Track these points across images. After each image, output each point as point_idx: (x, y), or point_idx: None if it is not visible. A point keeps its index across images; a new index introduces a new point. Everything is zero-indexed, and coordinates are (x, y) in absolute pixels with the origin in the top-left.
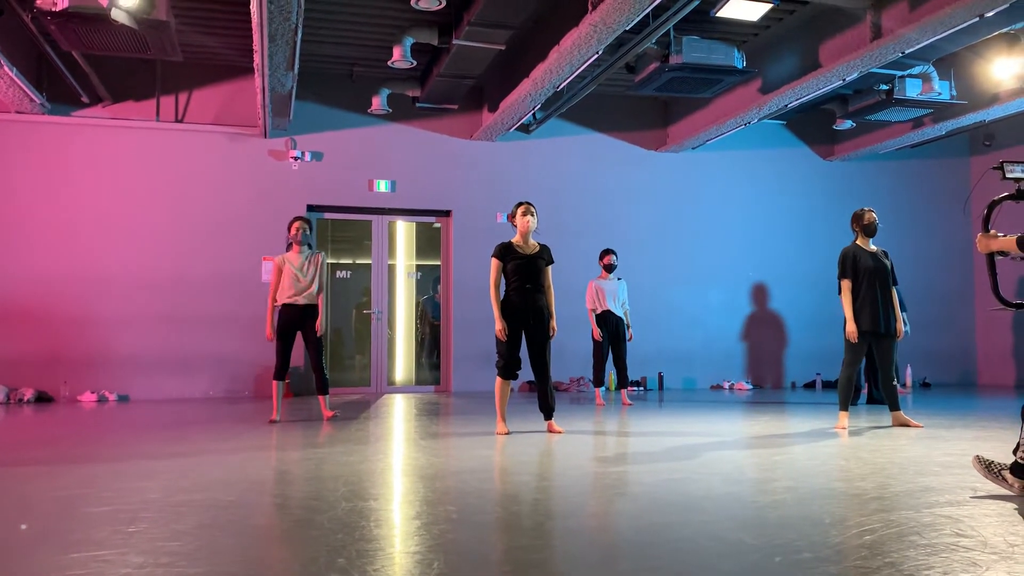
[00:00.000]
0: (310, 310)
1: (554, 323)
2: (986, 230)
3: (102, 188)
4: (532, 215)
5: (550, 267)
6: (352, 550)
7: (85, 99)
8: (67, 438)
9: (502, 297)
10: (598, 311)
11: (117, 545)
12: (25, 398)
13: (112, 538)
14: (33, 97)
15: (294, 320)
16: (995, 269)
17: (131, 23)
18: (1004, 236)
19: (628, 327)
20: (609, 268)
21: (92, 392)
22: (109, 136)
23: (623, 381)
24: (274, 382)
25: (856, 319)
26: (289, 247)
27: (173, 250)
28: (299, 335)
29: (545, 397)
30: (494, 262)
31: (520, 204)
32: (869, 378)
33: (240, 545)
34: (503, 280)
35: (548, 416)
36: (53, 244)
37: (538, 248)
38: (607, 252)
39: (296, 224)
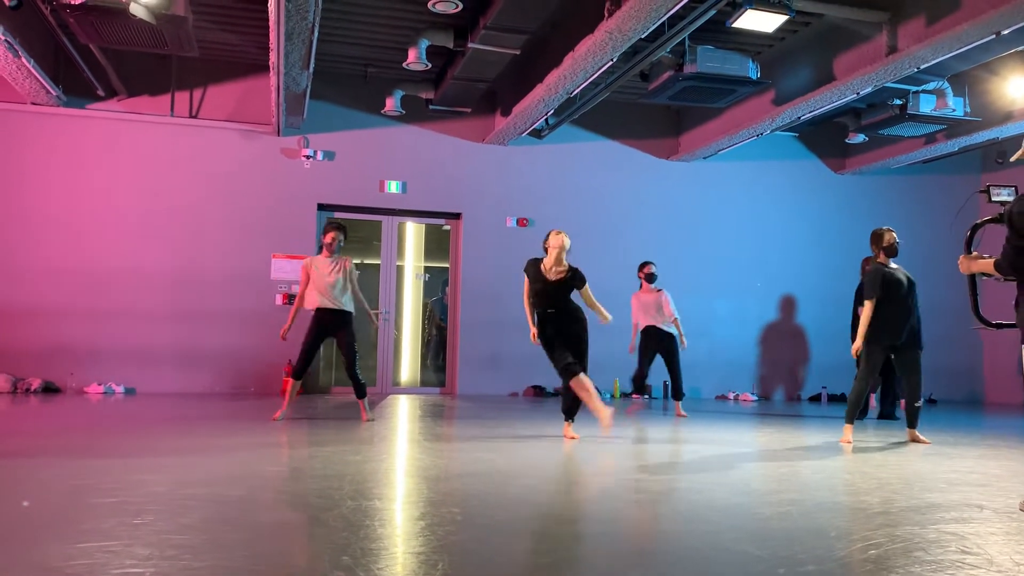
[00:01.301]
0: (340, 316)
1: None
2: (968, 252)
3: (115, 181)
4: (564, 236)
5: (585, 287)
6: (357, 548)
7: (101, 92)
8: (74, 429)
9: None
10: (641, 326)
11: (123, 536)
12: (32, 388)
13: (118, 529)
14: (49, 89)
15: (325, 325)
16: (976, 289)
17: (149, 18)
18: (986, 258)
19: (681, 336)
20: (650, 278)
21: (99, 384)
22: (123, 130)
23: (677, 393)
24: (291, 380)
25: (877, 335)
26: (320, 250)
27: (183, 245)
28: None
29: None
30: (525, 278)
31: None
32: (883, 394)
33: (245, 540)
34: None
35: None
36: (64, 236)
37: (565, 273)
38: (646, 263)
39: (332, 233)
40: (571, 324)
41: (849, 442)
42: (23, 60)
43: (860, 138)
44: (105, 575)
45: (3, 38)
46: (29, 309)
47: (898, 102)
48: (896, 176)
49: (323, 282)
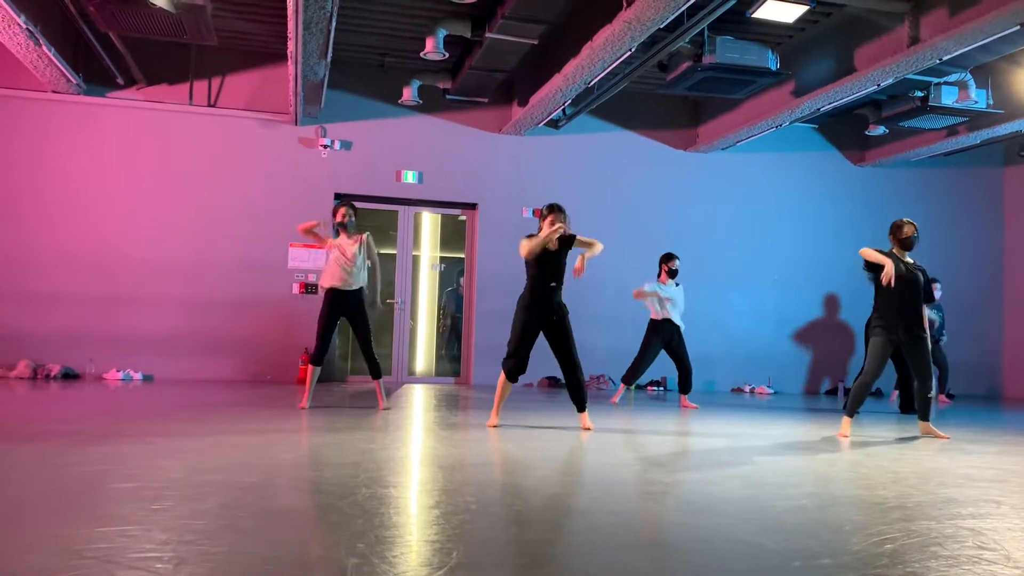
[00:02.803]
0: (354, 295)
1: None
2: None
3: (133, 169)
4: (563, 218)
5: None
6: (372, 536)
7: (120, 80)
8: (93, 415)
9: (525, 292)
10: (658, 319)
11: (142, 521)
12: (52, 374)
13: (137, 514)
14: (69, 77)
15: (338, 306)
16: None
17: (168, 6)
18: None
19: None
20: (672, 273)
21: (117, 370)
22: (142, 118)
23: (688, 386)
24: (311, 367)
25: (885, 326)
26: (337, 232)
27: (201, 233)
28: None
29: (576, 390)
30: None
31: (552, 211)
32: (902, 388)
33: (261, 526)
34: (527, 272)
35: (580, 408)
36: (83, 223)
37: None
38: (672, 256)
39: (342, 210)
40: (563, 326)
41: (846, 436)
42: (44, 48)
43: (880, 130)
44: (124, 559)
45: (25, 26)
46: (49, 296)
47: (920, 94)
48: (917, 169)
49: (343, 259)
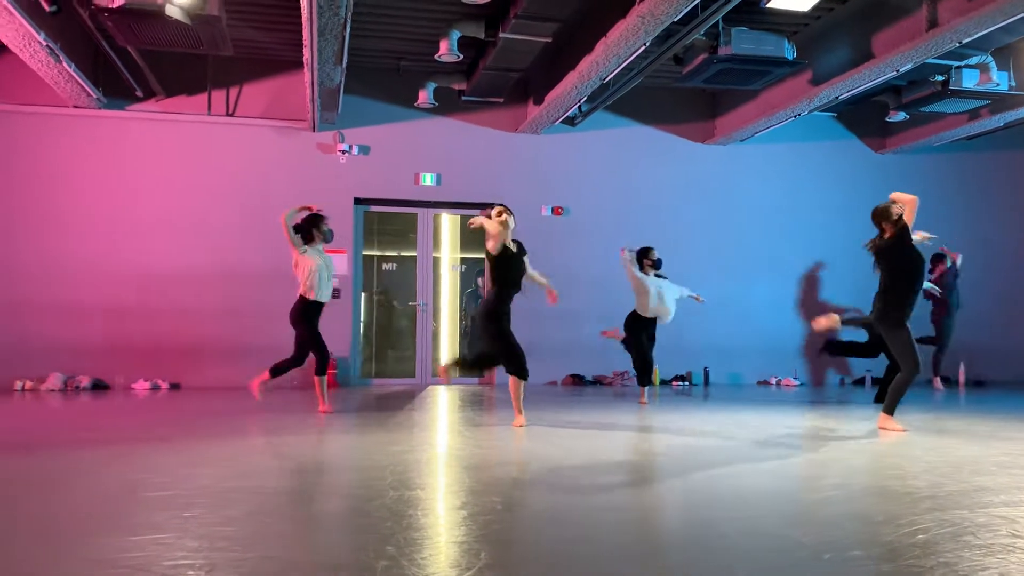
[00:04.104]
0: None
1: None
2: None
3: (155, 180)
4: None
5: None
6: (400, 538)
7: (139, 93)
8: (124, 425)
9: (490, 298)
10: (645, 315)
11: (174, 529)
12: (81, 385)
13: (169, 522)
14: (90, 92)
15: (319, 316)
16: None
17: (184, 18)
18: None
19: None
20: (656, 264)
21: (145, 380)
22: (162, 130)
23: (648, 379)
24: (318, 378)
25: (903, 315)
26: (308, 242)
27: (222, 242)
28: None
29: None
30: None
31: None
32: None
33: (291, 532)
34: (490, 282)
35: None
36: (106, 235)
37: (517, 246)
38: (649, 249)
39: (326, 221)
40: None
41: (901, 429)
42: (64, 64)
43: (901, 116)
44: (158, 567)
45: (45, 43)
46: (76, 308)
47: (940, 78)
48: (939, 154)
49: (328, 270)
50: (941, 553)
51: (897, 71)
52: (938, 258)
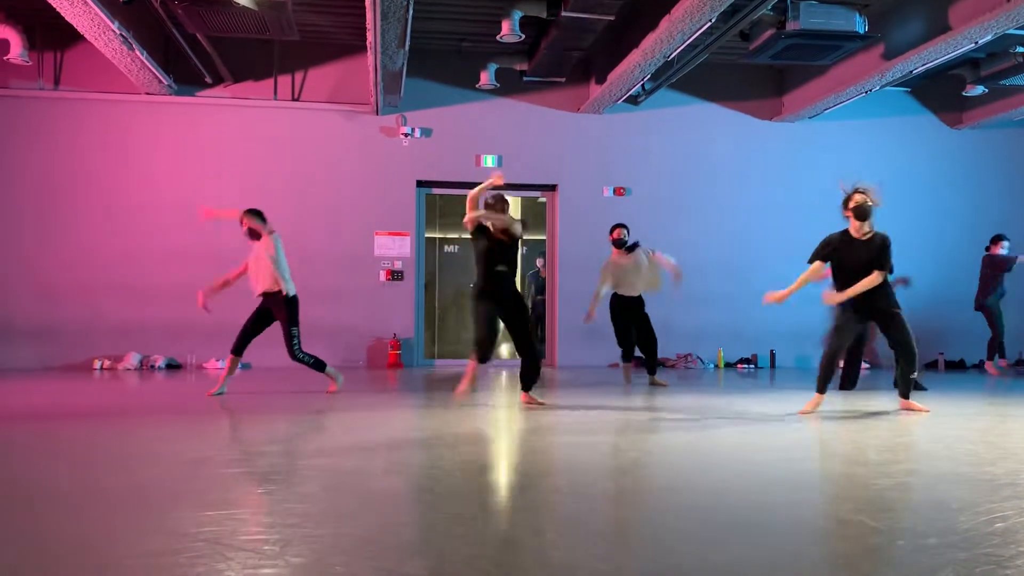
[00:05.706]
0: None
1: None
2: None
3: (225, 165)
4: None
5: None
6: (468, 518)
7: (208, 80)
8: (197, 404)
9: (477, 281)
10: (606, 294)
11: (248, 505)
12: (156, 365)
13: (244, 498)
14: (161, 79)
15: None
16: None
17: (252, 4)
18: None
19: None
20: (618, 244)
21: (216, 360)
22: (231, 115)
23: (654, 366)
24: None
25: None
26: (257, 236)
27: (290, 225)
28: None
29: (526, 371)
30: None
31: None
32: (847, 364)
33: (361, 510)
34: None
35: (525, 388)
36: (182, 219)
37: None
38: (617, 226)
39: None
40: (519, 309)
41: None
42: (137, 53)
43: (979, 90)
44: (233, 541)
45: (119, 33)
46: (153, 290)
47: (1021, 49)
48: (1019, 129)
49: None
50: (1021, 542)
51: (976, 43)
52: (998, 238)
